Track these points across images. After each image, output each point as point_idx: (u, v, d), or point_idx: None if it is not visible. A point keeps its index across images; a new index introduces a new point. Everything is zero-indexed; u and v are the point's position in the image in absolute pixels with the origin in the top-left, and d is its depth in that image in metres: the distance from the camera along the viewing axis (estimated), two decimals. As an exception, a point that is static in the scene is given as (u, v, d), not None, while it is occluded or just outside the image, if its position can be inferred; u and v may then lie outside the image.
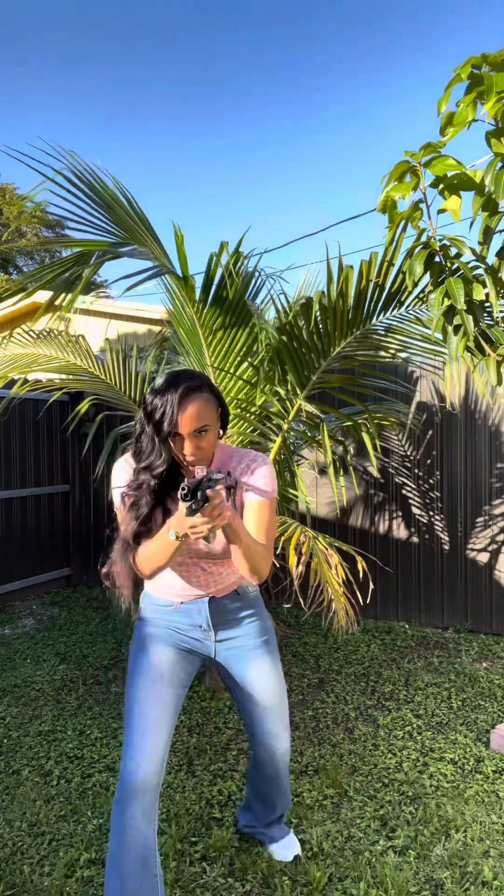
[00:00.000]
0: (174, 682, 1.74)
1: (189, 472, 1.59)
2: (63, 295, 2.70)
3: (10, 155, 2.48)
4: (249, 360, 3.32)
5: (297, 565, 2.65)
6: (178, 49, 40.83)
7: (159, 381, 1.58)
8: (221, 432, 1.67)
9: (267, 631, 1.87)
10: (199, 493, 1.37)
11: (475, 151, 2.41)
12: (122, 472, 1.67)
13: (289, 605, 4.89)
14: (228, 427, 2.01)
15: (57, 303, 2.69)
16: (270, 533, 1.68)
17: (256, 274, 3.38)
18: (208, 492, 1.38)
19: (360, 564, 2.68)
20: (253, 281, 3.35)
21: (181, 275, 2.97)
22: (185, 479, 1.43)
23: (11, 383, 4.70)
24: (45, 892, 1.94)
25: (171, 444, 1.56)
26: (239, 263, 3.09)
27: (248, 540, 1.57)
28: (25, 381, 3.74)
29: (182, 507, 1.41)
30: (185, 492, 1.35)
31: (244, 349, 3.31)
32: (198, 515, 1.39)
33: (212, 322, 3.21)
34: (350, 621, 2.63)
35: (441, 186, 2.24)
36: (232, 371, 3.33)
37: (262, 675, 1.83)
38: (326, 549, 2.69)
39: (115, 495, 1.68)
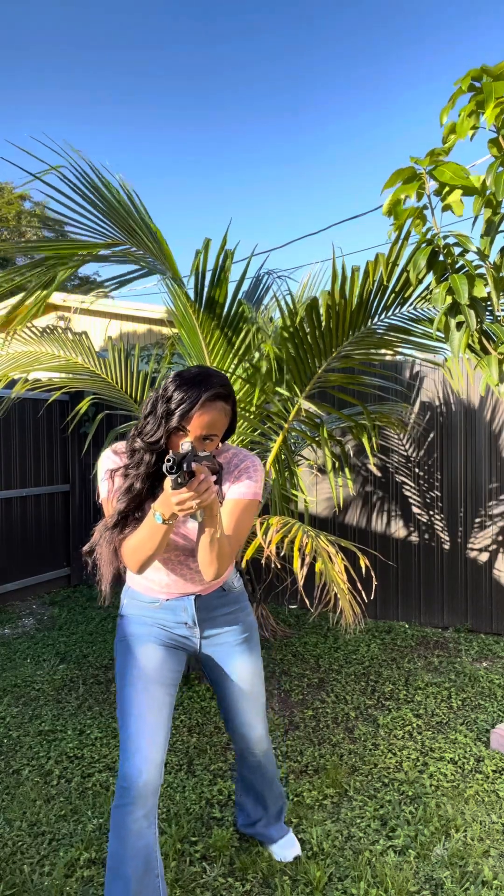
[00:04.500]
0: (165, 681, 1.72)
1: (175, 446, 1.55)
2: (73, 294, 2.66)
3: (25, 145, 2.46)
4: (249, 360, 3.31)
5: (302, 566, 2.65)
6: (178, 52, 40.83)
7: (191, 369, 1.56)
8: (220, 444, 1.67)
9: (250, 626, 1.88)
10: (184, 465, 1.31)
11: (474, 153, 2.42)
12: (109, 461, 1.65)
13: (294, 606, 4.88)
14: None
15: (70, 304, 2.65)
16: (240, 533, 1.62)
17: (265, 275, 3.37)
18: (194, 465, 1.33)
19: (363, 561, 2.68)
20: (262, 282, 3.34)
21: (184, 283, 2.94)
22: (171, 452, 1.36)
23: (12, 383, 4.69)
24: (45, 892, 1.93)
25: (173, 436, 1.55)
26: (228, 261, 3.02)
27: (220, 531, 1.52)
28: (26, 380, 3.74)
29: (167, 486, 1.37)
30: (170, 463, 1.29)
31: (242, 349, 3.30)
32: (184, 490, 1.33)
33: (209, 323, 3.19)
34: (357, 619, 2.63)
35: (445, 191, 2.25)
36: (232, 370, 3.33)
37: (243, 671, 1.84)
38: (329, 548, 2.69)
39: (102, 483, 1.63)
